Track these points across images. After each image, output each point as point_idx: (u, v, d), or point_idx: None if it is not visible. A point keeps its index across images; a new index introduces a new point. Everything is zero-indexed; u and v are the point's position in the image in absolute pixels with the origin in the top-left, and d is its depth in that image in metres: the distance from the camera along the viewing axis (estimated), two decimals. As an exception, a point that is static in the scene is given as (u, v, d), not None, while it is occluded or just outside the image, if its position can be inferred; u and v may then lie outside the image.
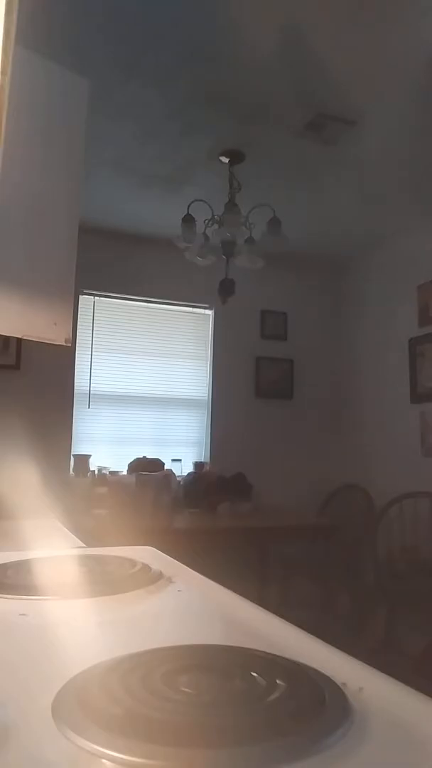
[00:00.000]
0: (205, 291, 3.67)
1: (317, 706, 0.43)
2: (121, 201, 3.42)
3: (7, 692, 0.47)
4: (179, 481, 3.40)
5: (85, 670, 0.48)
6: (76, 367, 3.69)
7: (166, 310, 4.02)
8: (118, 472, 3.48)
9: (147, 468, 3.29)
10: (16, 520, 1.38)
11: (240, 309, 3.74)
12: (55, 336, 1.12)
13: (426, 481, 3.23)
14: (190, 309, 4.07)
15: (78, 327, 3.65)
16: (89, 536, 1.23)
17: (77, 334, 3.61)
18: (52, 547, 1.12)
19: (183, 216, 2.84)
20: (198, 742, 0.38)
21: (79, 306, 3.70)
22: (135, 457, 3.48)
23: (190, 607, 0.78)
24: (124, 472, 3.45)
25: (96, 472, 3.44)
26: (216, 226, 2.83)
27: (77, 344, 3.65)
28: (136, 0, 1.92)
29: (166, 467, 3.44)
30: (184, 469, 3.59)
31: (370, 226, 3.71)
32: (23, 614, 0.67)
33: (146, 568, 0.86)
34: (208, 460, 3.93)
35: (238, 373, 4.13)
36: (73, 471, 3.49)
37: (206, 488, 3.33)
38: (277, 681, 0.46)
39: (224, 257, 2.91)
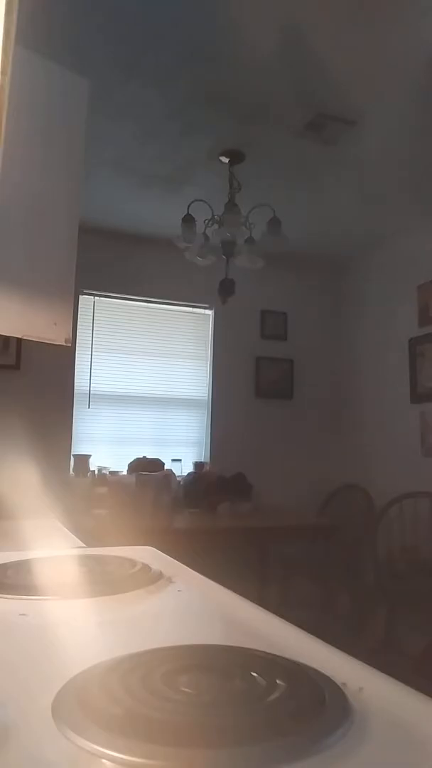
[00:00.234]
0: (205, 291, 3.67)
1: (317, 706, 0.43)
2: (121, 201, 3.42)
3: (7, 692, 0.47)
4: (179, 481, 3.40)
5: (85, 670, 0.48)
6: (76, 367, 3.69)
7: (166, 310, 4.03)
8: (118, 472, 3.48)
9: (147, 468, 3.29)
10: (16, 520, 1.38)
11: (240, 309, 3.74)
12: (55, 336, 1.12)
13: (426, 481, 3.23)
14: (190, 309, 4.07)
15: (78, 327, 3.65)
16: (89, 536, 1.23)
17: (77, 334, 3.61)
18: (52, 547, 1.12)
19: (183, 216, 2.84)
20: (198, 742, 0.38)
21: (79, 306, 3.70)
22: (135, 457, 3.48)
23: (190, 607, 0.78)
24: (124, 472, 3.45)
25: (96, 472, 3.44)
26: (216, 226, 2.83)
27: (77, 344, 3.65)
28: (136, 0, 1.92)
29: (166, 467, 3.44)
30: (184, 469, 3.59)
31: (370, 226, 3.71)
32: (23, 614, 0.67)
33: (146, 568, 0.86)
34: (208, 460, 3.93)
35: (238, 373, 4.13)
36: (73, 471, 3.49)
37: (206, 488, 3.33)
38: (277, 681, 0.46)
39: (224, 257, 2.91)
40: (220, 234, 2.80)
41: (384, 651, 2.62)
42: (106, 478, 3.37)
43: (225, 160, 2.88)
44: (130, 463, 3.46)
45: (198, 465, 3.68)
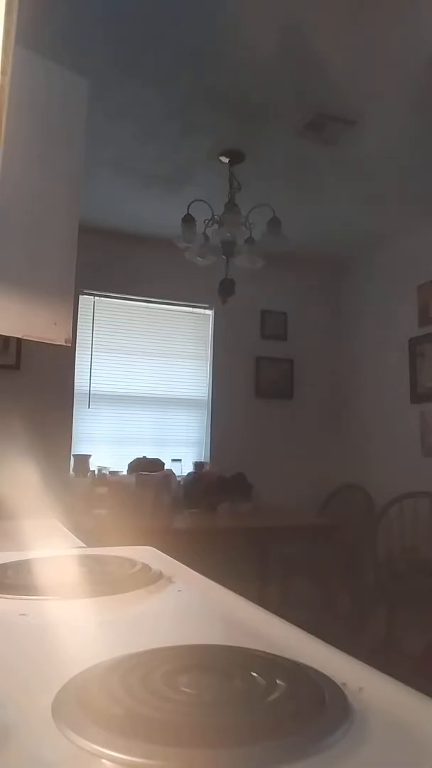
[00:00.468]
0: (205, 291, 3.67)
1: (317, 706, 0.43)
2: (121, 201, 3.42)
3: (7, 692, 0.47)
4: (179, 481, 3.40)
5: (85, 670, 0.48)
6: (76, 367, 3.69)
7: (166, 310, 4.02)
8: (118, 472, 3.48)
9: (147, 468, 3.29)
10: (16, 520, 1.38)
11: (240, 309, 3.74)
12: (55, 336, 1.12)
13: (426, 481, 3.23)
14: (190, 309, 4.07)
15: (78, 327, 3.65)
16: (89, 536, 1.23)
17: (77, 334, 3.61)
18: (52, 547, 1.12)
19: (183, 216, 2.84)
20: (198, 742, 0.38)
21: (79, 306, 3.70)
22: (135, 457, 3.48)
23: (190, 607, 0.78)
24: (124, 472, 3.45)
25: (96, 472, 3.44)
26: (216, 226, 2.83)
27: (77, 344, 3.65)
28: (136, 0, 1.92)
29: (166, 467, 3.44)
30: (184, 469, 3.59)
31: (370, 226, 3.71)
32: (23, 614, 0.67)
33: (146, 568, 0.86)
34: (208, 460, 3.93)
35: (238, 373, 4.13)
36: (73, 471, 3.49)
37: (206, 488, 3.33)
38: (277, 681, 0.46)
39: (224, 257, 2.91)
40: (220, 234, 2.80)
41: (384, 651, 2.62)
42: (106, 478, 3.36)
43: (225, 160, 2.88)
44: (130, 463, 3.46)
45: (198, 465, 3.68)
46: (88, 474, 3.43)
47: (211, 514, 3.09)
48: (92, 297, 3.79)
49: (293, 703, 0.43)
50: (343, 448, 4.14)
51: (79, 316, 3.68)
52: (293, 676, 0.48)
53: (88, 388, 3.74)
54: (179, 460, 3.59)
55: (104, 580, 0.80)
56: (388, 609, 2.76)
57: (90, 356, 3.76)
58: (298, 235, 3.54)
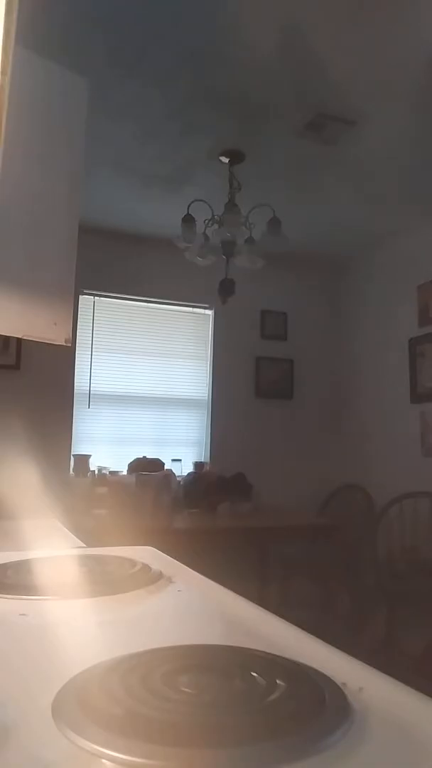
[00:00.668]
0: (205, 291, 3.67)
1: (317, 706, 0.43)
2: (121, 201, 3.42)
3: (7, 692, 0.47)
4: (179, 481, 3.40)
5: (85, 670, 0.48)
6: (76, 367, 3.69)
7: (166, 310, 4.03)
8: (118, 472, 3.48)
9: (147, 468, 3.29)
10: (16, 520, 1.38)
11: (240, 309, 3.74)
12: (55, 336, 1.12)
13: (426, 481, 3.23)
14: (190, 309, 4.07)
15: (78, 327, 3.65)
16: (89, 536, 1.23)
17: (77, 334, 3.61)
18: (52, 547, 1.12)
19: (183, 216, 2.84)
20: (198, 742, 0.38)
21: (79, 306, 3.70)
22: (135, 457, 3.48)
23: (190, 607, 0.78)
24: (124, 472, 3.45)
25: (96, 472, 3.44)
26: (216, 226, 2.83)
27: (77, 344, 3.65)
28: (136, 0, 1.92)
29: (166, 467, 3.44)
30: (184, 469, 3.59)
31: (370, 226, 3.71)
32: (23, 614, 0.67)
33: (146, 568, 0.86)
34: (208, 460, 3.93)
35: (238, 373, 4.13)
36: (73, 471, 3.49)
37: (206, 488, 3.33)
38: (277, 681, 0.46)
39: (224, 257, 2.91)
40: (220, 234, 2.80)
41: (384, 651, 2.62)
42: (106, 478, 3.36)
43: (225, 160, 2.88)
44: (130, 463, 3.46)
45: (198, 465, 3.68)
46: (88, 474, 3.43)
47: (211, 514, 3.09)
48: (92, 297, 3.79)
49: (293, 703, 0.43)
50: (343, 448, 4.14)
51: (79, 316, 3.68)
52: (293, 676, 0.48)
53: (88, 388, 3.74)
54: (179, 460, 3.59)
55: (104, 580, 0.80)
56: (388, 609, 2.76)
57: (90, 356, 3.76)
58: (298, 235, 3.54)
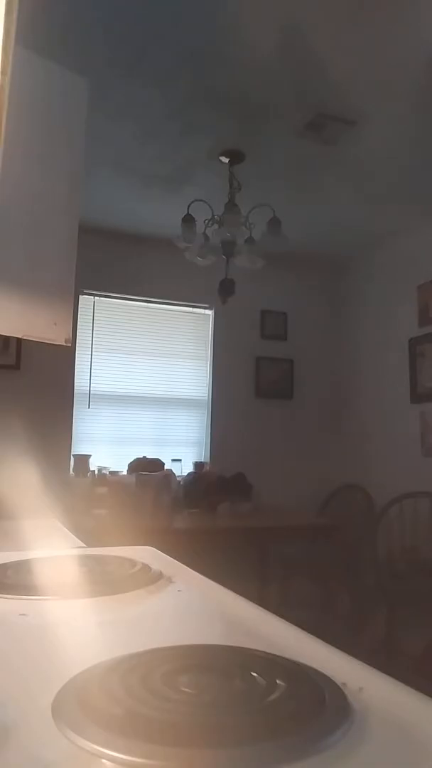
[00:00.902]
0: (205, 291, 3.67)
1: (317, 706, 0.43)
2: (121, 201, 3.42)
3: (7, 692, 0.47)
4: (179, 481, 3.40)
5: (85, 670, 0.48)
6: (76, 367, 3.69)
7: (166, 310, 4.02)
8: (118, 472, 3.48)
9: (147, 468, 3.29)
10: (16, 520, 1.38)
11: (240, 309, 3.74)
12: (55, 336, 1.12)
13: (426, 481, 3.23)
14: (190, 309, 4.07)
15: (78, 327, 3.65)
16: (89, 536, 1.23)
17: (77, 334, 3.61)
18: (52, 547, 1.12)
19: (183, 216, 2.84)
20: (198, 742, 0.38)
21: (79, 306, 3.70)
22: (135, 457, 3.48)
23: (190, 607, 0.78)
24: (124, 472, 3.45)
25: (96, 472, 3.44)
26: (216, 226, 2.83)
27: (77, 344, 3.65)
28: (136, 0, 1.92)
29: (166, 467, 3.44)
30: (184, 469, 3.59)
31: (370, 226, 3.71)
32: (23, 614, 0.67)
33: (146, 568, 0.86)
34: (208, 460, 3.93)
35: (238, 373, 4.13)
36: (73, 471, 3.49)
37: (206, 488, 3.33)
38: (277, 681, 0.46)
39: (224, 257, 2.91)
40: (220, 234, 2.80)
41: (384, 651, 2.62)
42: (106, 478, 3.36)
43: (225, 160, 2.88)
44: (130, 463, 3.46)
45: (198, 465, 3.68)
46: (88, 474, 3.43)
47: (211, 514, 3.09)
48: (92, 297, 3.79)
49: (293, 703, 0.43)
50: (343, 448, 4.14)
51: (79, 316, 3.68)
52: (293, 676, 0.48)
53: (88, 388, 3.74)
54: (179, 460, 3.59)
55: (104, 580, 0.80)
56: (388, 609, 2.76)
57: (90, 356, 3.76)
58: (298, 235, 3.54)
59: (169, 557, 1.00)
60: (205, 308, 4.08)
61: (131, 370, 3.88)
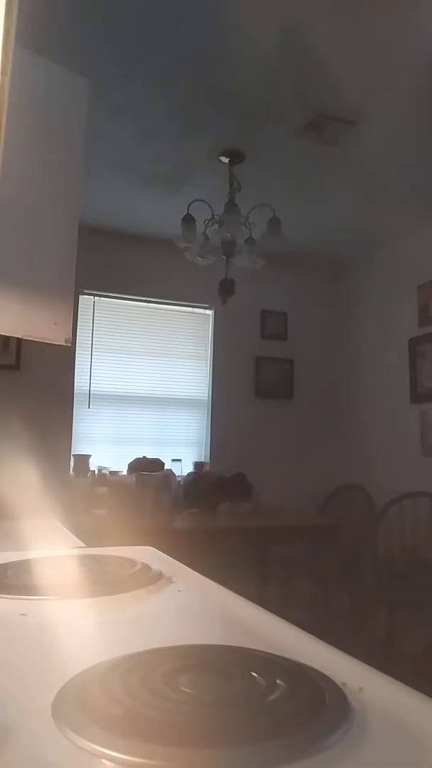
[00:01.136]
0: (205, 291, 3.67)
1: (317, 706, 0.43)
2: (121, 201, 3.42)
3: (7, 692, 0.47)
4: (179, 481, 3.40)
5: (85, 670, 0.48)
6: (76, 367, 3.69)
7: (166, 310, 4.03)
8: (118, 472, 3.48)
9: (147, 468, 3.29)
10: (16, 520, 1.38)
11: (240, 309, 3.74)
12: (55, 336, 1.12)
13: (426, 481, 3.23)
14: (190, 309, 4.07)
15: (78, 327, 3.65)
16: (89, 536, 1.23)
17: (77, 334, 3.61)
18: (52, 547, 1.12)
19: (183, 216, 2.84)
20: (198, 742, 0.38)
21: (79, 306, 3.70)
22: (135, 457, 3.47)
23: (190, 607, 0.78)
24: (124, 472, 3.45)
25: (96, 472, 3.44)
26: (216, 226, 2.83)
27: (77, 344, 3.65)
28: (136, 0, 1.92)
29: (166, 467, 3.44)
30: (184, 469, 3.59)
31: (370, 226, 3.71)
32: (23, 614, 0.67)
33: (146, 568, 0.86)
34: (208, 460, 3.93)
35: (238, 373, 4.13)
36: (73, 471, 3.49)
37: (206, 488, 3.32)
38: (277, 681, 0.46)
39: (224, 257, 2.91)
40: (220, 234, 2.80)
41: (384, 651, 2.62)
42: (106, 478, 3.36)
43: (225, 160, 2.88)
44: (130, 463, 3.46)
45: (198, 465, 3.68)
46: (88, 474, 3.43)
47: (211, 514, 3.09)
48: (92, 297, 3.79)
49: (293, 703, 0.43)
50: (343, 448, 4.14)
51: (79, 316, 3.68)
52: (293, 676, 0.48)
53: (88, 388, 3.74)
54: (179, 460, 3.59)
55: (104, 580, 0.80)
56: (388, 609, 2.76)
57: (90, 356, 3.76)
58: (298, 235, 3.54)
59: (169, 557, 1.00)
60: (205, 308, 4.08)
61: (131, 370, 3.88)
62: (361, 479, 3.70)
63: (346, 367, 4.31)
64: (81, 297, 3.72)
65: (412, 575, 2.89)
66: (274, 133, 2.70)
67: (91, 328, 3.78)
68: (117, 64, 2.24)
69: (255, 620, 0.69)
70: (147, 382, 3.91)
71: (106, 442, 3.74)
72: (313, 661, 0.52)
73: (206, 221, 2.86)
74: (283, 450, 4.10)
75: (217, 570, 0.96)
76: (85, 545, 1.15)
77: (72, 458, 3.55)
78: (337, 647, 0.58)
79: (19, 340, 3.15)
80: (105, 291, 3.82)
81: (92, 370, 3.76)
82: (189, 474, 3.53)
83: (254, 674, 0.48)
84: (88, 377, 3.75)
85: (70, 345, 1.14)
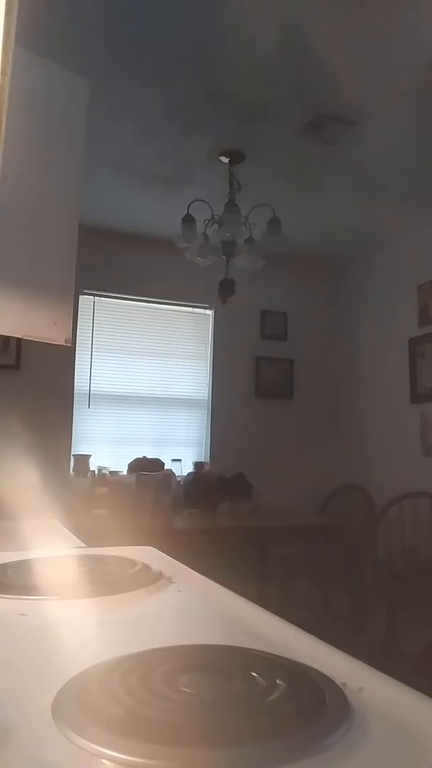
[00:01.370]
0: (205, 291, 3.67)
1: (317, 706, 0.43)
2: (121, 201, 3.42)
3: (7, 692, 0.47)
4: (179, 481, 3.40)
5: (85, 670, 0.48)
6: (76, 367, 3.69)
7: (166, 310, 4.02)
8: (118, 472, 3.48)
9: (147, 468, 3.29)
10: (16, 520, 1.38)
11: (240, 309, 3.74)
12: (55, 336, 1.12)
13: (426, 481, 3.23)
14: (190, 309, 4.07)
15: (78, 327, 3.65)
16: (89, 536, 1.23)
17: (77, 334, 3.61)
18: (52, 547, 1.12)
19: (183, 216, 2.84)
20: (198, 742, 0.38)
21: (79, 306, 3.70)
22: (135, 457, 3.47)
23: (190, 607, 0.78)
24: (124, 472, 3.45)
25: (96, 472, 3.44)
26: (216, 226, 2.83)
27: (77, 344, 3.65)
28: (136, 0, 1.92)
29: (166, 467, 3.44)
30: (184, 469, 3.59)
31: (370, 226, 3.71)
32: (23, 614, 0.67)
33: (146, 568, 0.86)
34: (208, 460, 3.93)
35: (238, 373, 4.13)
36: (73, 471, 3.49)
37: (206, 488, 3.32)
38: (277, 681, 0.46)
39: (224, 257, 2.91)
40: (220, 234, 2.80)
41: (384, 651, 2.62)
42: (106, 478, 3.36)
43: (225, 160, 2.88)
44: (130, 463, 3.46)
45: (198, 465, 3.68)
46: (88, 474, 3.43)
47: (211, 514, 3.09)
48: (92, 297, 3.79)
49: (293, 703, 0.43)
50: (343, 448, 4.14)
51: (79, 316, 3.68)
52: (293, 676, 0.48)
53: (88, 388, 3.74)
54: (179, 460, 3.59)
55: (104, 580, 0.80)
56: (388, 609, 2.76)
57: (90, 356, 3.76)
58: (298, 235, 3.54)
59: (169, 557, 1.00)
60: (205, 308, 4.08)
61: (131, 370, 3.88)
62: (361, 479, 3.70)
63: (346, 367, 4.31)
64: (81, 297, 3.72)
65: (412, 575, 2.89)
66: (274, 133, 2.70)
67: (91, 328, 3.78)
68: (117, 64, 2.24)
69: (255, 620, 0.69)
70: (147, 382, 3.91)
71: (106, 442, 3.74)
72: (313, 661, 0.52)
73: (206, 221, 2.86)
74: (283, 450, 4.10)
75: (217, 570, 0.96)
76: (85, 545, 1.15)
77: (72, 458, 3.55)
78: (337, 647, 0.58)
79: (19, 340, 3.15)
80: (105, 291, 3.82)
81: (92, 370, 3.76)
82: (189, 474, 3.53)
83: (254, 674, 0.48)
84: (88, 377, 3.75)
85: (70, 345, 1.14)
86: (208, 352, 4.11)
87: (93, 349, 3.77)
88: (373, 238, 3.92)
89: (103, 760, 0.37)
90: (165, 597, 0.78)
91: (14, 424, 2.62)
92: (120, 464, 3.52)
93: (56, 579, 0.78)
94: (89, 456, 3.49)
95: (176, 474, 3.41)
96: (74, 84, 1.21)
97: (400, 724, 0.43)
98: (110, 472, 3.45)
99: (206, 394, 4.08)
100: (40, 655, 0.56)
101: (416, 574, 2.86)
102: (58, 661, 0.54)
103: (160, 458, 3.48)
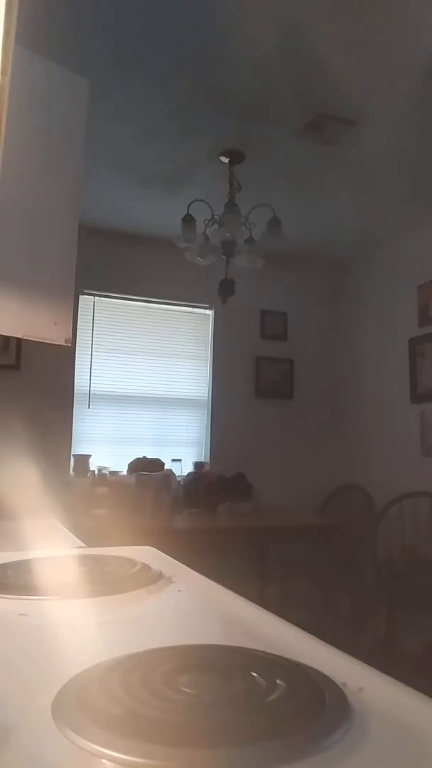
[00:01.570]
0: (205, 291, 3.67)
1: (317, 706, 0.43)
2: (121, 201, 3.42)
3: (7, 692, 0.47)
4: (179, 481, 3.40)
5: (85, 670, 0.48)
6: (76, 367, 3.69)
7: (166, 310, 4.02)
8: (118, 472, 3.48)
9: (147, 468, 3.29)
10: (16, 520, 1.38)
11: (240, 309, 3.74)
12: (55, 336, 1.12)
13: (426, 481, 3.23)
14: (190, 309, 4.07)
15: (78, 327, 3.65)
16: (89, 536, 1.23)
17: (77, 334, 3.61)
18: (52, 547, 1.12)
19: (183, 216, 2.84)
20: (198, 742, 0.38)
21: (79, 306, 3.70)
22: (135, 457, 3.48)
23: (190, 607, 0.78)
24: (124, 472, 3.45)
25: (96, 472, 3.44)
26: (216, 226, 2.83)
27: (77, 344, 3.65)
28: (136, 0, 1.92)
29: (166, 467, 3.44)
30: (184, 469, 3.59)
31: (370, 226, 3.71)
32: (23, 614, 0.67)
33: (146, 568, 0.86)
34: (208, 460, 3.93)
35: (238, 373, 4.13)
36: (73, 471, 3.49)
37: (206, 488, 3.32)
38: (277, 681, 0.46)
39: (224, 257, 2.91)
40: (220, 234, 2.80)
41: (384, 651, 2.62)
42: (106, 478, 3.36)
43: (225, 160, 2.88)
44: (130, 463, 3.46)
45: (198, 465, 3.68)
46: (88, 474, 3.42)
47: (211, 514, 3.09)
48: (92, 297, 3.79)
49: (293, 703, 0.43)
50: (343, 448, 4.14)
51: (79, 316, 3.68)
52: (293, 676, 0.48)
53: (88, 388, 3.74)
54: (179, 460, 3.59)
55: (104, 580, 0.80)
56: (388, 609, 2.76)
57: (90, 356, 3.76)
58: (298, 235, 3.55)
59: (169, 557, 1.00)
60: (205, 308, 4.08)
61: (131, 370, 3.88)
62: (361, 479, 3.70)
63: (346, 367, 4.31)
64: (81, 297, 3.72)
65: (412, 575, 2.89)
66: (274, 133, 2.70)
67: (91, 328, 3.78)
68: (117, 64, 2.24)
69: (255, 620, 0.69)
70: (147, 382, 3.91)
71: (106, 442, 3.74)
72: (313, 661, 0.52)
73: (206, 221, 2.86)
74: (283, 450, 4.10)
75: (217, 570, 0.96)
76: (85, 545, 1.15)
77: (72, 458, 3.55)
78: (337, 647, 0.58)
79: (19, 340, 3.15)
80: (105, 291, 3.82)
81: (92, 370, 3.76)
82: (189, 474, 3.53)
83: (254, 674, 0.48)
84: (88, 377, 3.75)
85: (70, 345, 1.14)
86: (208, 352, 4.11)
87: (93, 349, 3.77)
88: (373, 238, 3.92)
89: (103, 760, 0.37)
90: (165, 597, 0.78)
91: (14, 424, 2.62)
92: (120, 464, 3.52)
93: (56, 579, 0.78)
94: (89, 456, 3.49)
95: (176, 474, 3.41)
96: (74, 84, 1.21)
97: (400, 724, 0.43)
98: (110, 472, 3.45)
99: (206, 394, 4.08)
100: (40, 655, 0.56)
101: (416, 574, 2.86)
102: (58, 661, 0.54)
103: (160, 458, 3.48)
